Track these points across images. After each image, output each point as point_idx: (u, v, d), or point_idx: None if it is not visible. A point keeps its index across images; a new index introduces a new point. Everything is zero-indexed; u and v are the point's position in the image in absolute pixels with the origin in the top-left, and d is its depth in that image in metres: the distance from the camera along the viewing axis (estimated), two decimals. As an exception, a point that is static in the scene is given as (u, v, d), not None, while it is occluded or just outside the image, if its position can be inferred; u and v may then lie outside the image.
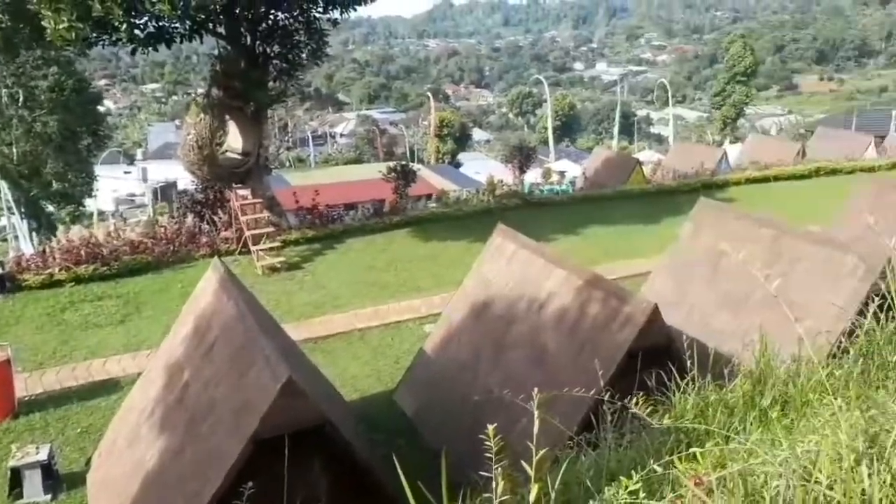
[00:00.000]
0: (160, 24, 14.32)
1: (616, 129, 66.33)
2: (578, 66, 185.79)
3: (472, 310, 8.94)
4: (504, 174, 26.10)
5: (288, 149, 61.45)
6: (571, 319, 7.57)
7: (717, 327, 8.89)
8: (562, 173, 33.90)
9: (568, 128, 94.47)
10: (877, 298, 5.39)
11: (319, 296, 13.44)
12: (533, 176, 29.43)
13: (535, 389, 2.96)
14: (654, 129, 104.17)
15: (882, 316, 5.08)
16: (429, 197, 23.01)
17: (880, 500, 2.47)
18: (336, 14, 16.18)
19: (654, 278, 10.37)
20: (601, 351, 6.94)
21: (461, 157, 55.60)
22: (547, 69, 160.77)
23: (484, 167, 41.68)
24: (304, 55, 16.35)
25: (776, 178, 23.55)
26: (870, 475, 2.47)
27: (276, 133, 61.71)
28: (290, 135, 68.02)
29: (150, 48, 14.61)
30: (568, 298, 7.72)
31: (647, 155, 49.31)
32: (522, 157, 25.53)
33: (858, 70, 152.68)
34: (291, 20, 15.95)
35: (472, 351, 8.57)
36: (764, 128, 74.17)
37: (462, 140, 59.44)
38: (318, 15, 16.05)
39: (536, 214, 18.68)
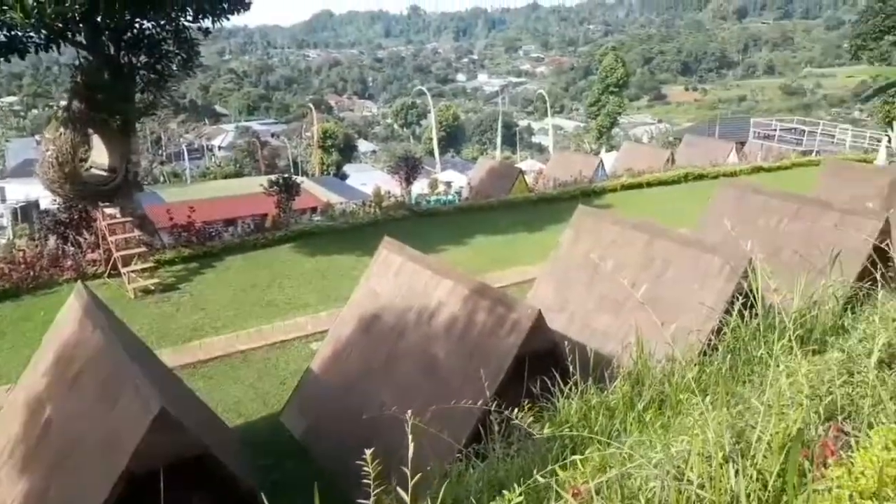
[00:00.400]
0: (12, 32, 13.33)
1: (499, 140, 68.02)
2: (461, 77, 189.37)
3: (360, 324, 8.81)
4: (391, 185, 26.03)
5: (162, 163, 58.81)
6: (460, 328, 7.63)
7: (598, 330, 9.20)
8: (448, 183, 34.23)
9: (453, 138, 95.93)
10: (740, 297, 5.74)
11: (198, 318, 12.82)
12: (420, 187, 29.53)
13: (409, 413, 2.87)
14: (535, 139, 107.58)
15: (746, 313, 5.40)
16: (314, 210, 22.59)
17: (748, 495, 2.58)
18: (207, 23, 15.57)
19: (538, 285, 10.60)
20: (490, 358, 7.03)
21: (347, 168, 55.11)
22: (430, 80, 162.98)
23: (370, 178, 41.47)
24: (173, 65, 15.64)
25: (649, 184, 24.78)
26: (736, 473, 2.57)
27: (148, 147, 59.00)
28: (163, 149, 65.12)
29: (1, 59, 13.54)
30: (456, 308, 7.78)
31: (529, 164, 50.73)
32: (408, 167, 25.54)
33: (719, 81, 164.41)
34: (159, 29, 15.23)
35: (362, 366, 8.44)
36: (637, 136, 78.30)
37: (347, 151, 59.02)
38: (187, 24, 15.41)
39: (424, 225, 18.75)
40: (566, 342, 7.26)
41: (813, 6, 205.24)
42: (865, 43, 41.10)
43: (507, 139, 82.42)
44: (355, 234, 17.41)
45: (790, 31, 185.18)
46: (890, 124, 36.89)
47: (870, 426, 2.93)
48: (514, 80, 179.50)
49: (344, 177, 49.05)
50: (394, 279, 8.68)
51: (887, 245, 5.22)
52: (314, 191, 31.90)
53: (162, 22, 15.10)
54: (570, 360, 5.69)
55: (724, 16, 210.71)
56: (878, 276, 4.53)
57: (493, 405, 4.85)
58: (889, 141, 34.82)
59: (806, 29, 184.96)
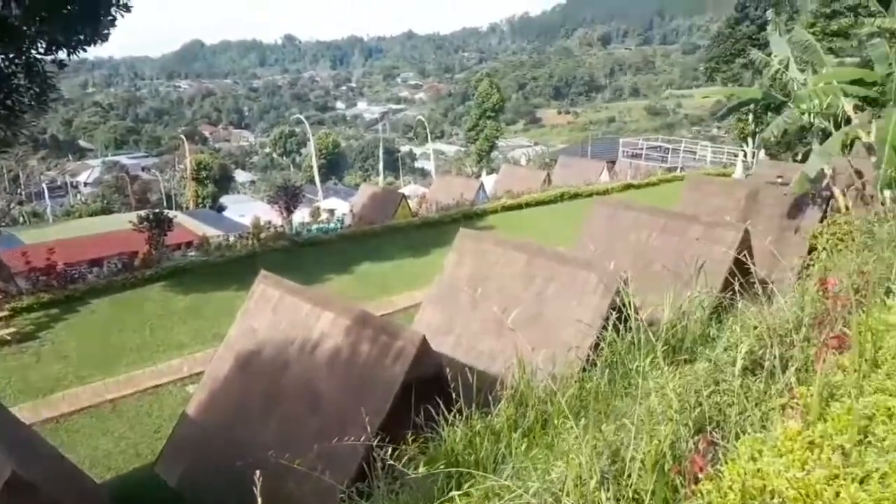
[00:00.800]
0: None
1: (381, 166, 68.08)
2: (340, 105, 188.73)
3: (238, 363, 8.39)
4: (271, 215, 25.32)
5: (20, 203, 54.60)
6: (344, 360, 7.43)
7: (484, 351, 9.23)
8: (331, 211, 33.74)
9: (334, 165, 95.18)
10: (614, 312, 5.88)
11: (61, 367, 11.84)
12: (301, 215, 28.93)
13: (258, 477, 2.67)
14: (417, 164, 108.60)
15: (621, 327, 5.52)
16: (188, 245, 21.53)
17: (624, 517, 2.55)
18: (62, 55, 14.57)
19: (424, 309, 10.55)
20: (376, 389, 6.88)
21: (224, 200, 53.30)
22: (308, 109, 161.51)
23: (249, 209, 40.29)
24: (25, 100, 14.48)
25: (528, 205, 25.51)
26: (608, 497, 2.55)
27: (4, 187, 54.63)
28: (22, 187, 60.57)
29: None
30: (339, 339, 7.59)
31: (412, 189, 51.08)
32: (289, 196, 24.95)
33: (589, 103, 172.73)
34: (7, 62, 14.08)
35: (242, 406, 8.03)
36: (515, 158, 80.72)
37: (223, 182, 57.05)
38: (39, 56, 14.34)
39: (306, 255, 18.33)
40: (453, 366, 7.22)
41: (670, 32, 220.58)
42: (718, 65, 44.56)
43: (389, 165, 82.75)
44: (233, 268, 16.74)
45: (651, 55, 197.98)
46: (745, 140, 40.01)
47: (737, 436, 3.00)
48: (394, 106, 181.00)
49: (221, 209, 47.36)
50: (272, 314, 8.34)
51: (744, 256, 5.51)
52: (189, 225, 30.53)
53: (11, 55, 13.98)
54: (457, 384, 5.62)
55: (591, 42, 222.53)
56: (736, 286, 4.74)
57: (377, 440, 4.68)
58: (745, 155, 37.77)
59: (665, 54, 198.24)
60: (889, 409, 2.96)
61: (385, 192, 33.47)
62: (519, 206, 25.20)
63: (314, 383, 7.46)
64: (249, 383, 8.11)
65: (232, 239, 20.61)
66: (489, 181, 38.99)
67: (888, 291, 4.39)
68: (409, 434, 5.02)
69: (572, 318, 8.12)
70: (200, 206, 47.68)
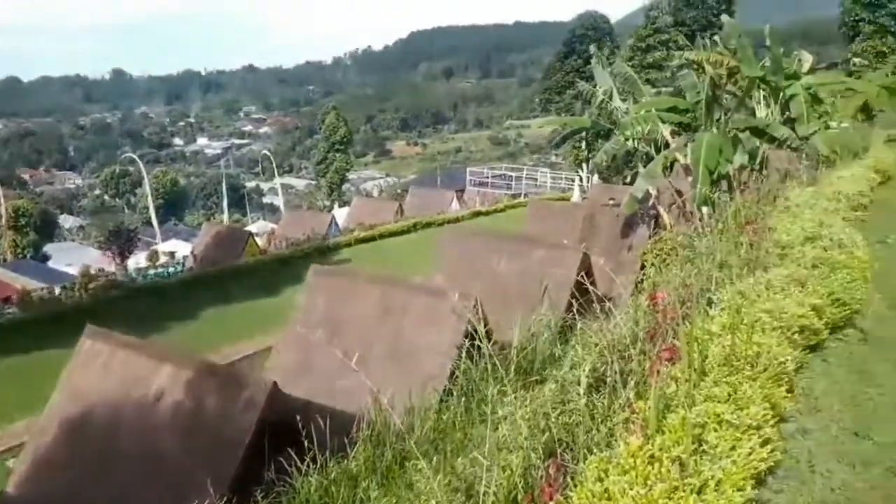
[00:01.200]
0: None
1: (225, 203, 65.63)
2: (178, 141, 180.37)
3: (65, 429, 7.56)
4: (103, 262, 23.55)
5: None
6: (187, 417, 6.92)
7: (343, 389, 8.95)
8: (171, 254, 31.91)
9: (174, 205, 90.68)
10: (467, 339, 5.91)
11: None
12: (138, 260, 27.11)
13: None
14: (266, 200, 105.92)
15: (475, 354, 5.55)
16: (6, 301, 19.48)
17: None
18: None
19: (279, 351, 10.11)
20: (224, 445, 6.46)
21: (48, 248, 49.05)
22: (143, 146, 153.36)
23: (78, 257, 37.25)
24: None
25: (381, 236, 25.56)
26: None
27: None
28: None
29: None
30: (180, 395, 7.05)
31: (260, 226, 49.70)
32: (122, 241, 23.42)
33: (436, 135, 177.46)
34: None
35: (72, 478, 7.22)
36: (367, 190, 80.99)
37: (47, 229, 52.52)
38: None
39: (144, 303, 17.15)
40: (310, 410, 6.92)
41: (507, 67, 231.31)
42: (551, 97, 47.60)
43: (235, 202, 80.00)
44: (59, 323, 15.20)
45: (491, 88, 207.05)
46: (580, 166, 42.69)
47: (585, 456, 3.04)
48: (238, 141, 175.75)
49: (45, 258, 43.49)
50: (102, 372, 7.63)
51: (582, 276, 5.74)
52: (6, 278, 27.74)
53: None
54: (312, 429, 5.39)
55: (435, 76, 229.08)
56: (575, 306, 4.91)
57: (225, 501, 4.36)
58: (581, 180, 40.24)
59: (504, 86, 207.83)
60: (718, 415, 3.13)
61: (230, 230, 32.24)
62: (373, 238, 25.18)
63: (154, 445, 6.86)
64: (80, 451, 7.33)
65: (58, 291, 18.92)
66: (341, 214, 38.66)
67: (710, 302, 4.71)
68: (261, 490, 4.73)
69: (429, 349, 8.10)
70: (20, 256, 43.45)
